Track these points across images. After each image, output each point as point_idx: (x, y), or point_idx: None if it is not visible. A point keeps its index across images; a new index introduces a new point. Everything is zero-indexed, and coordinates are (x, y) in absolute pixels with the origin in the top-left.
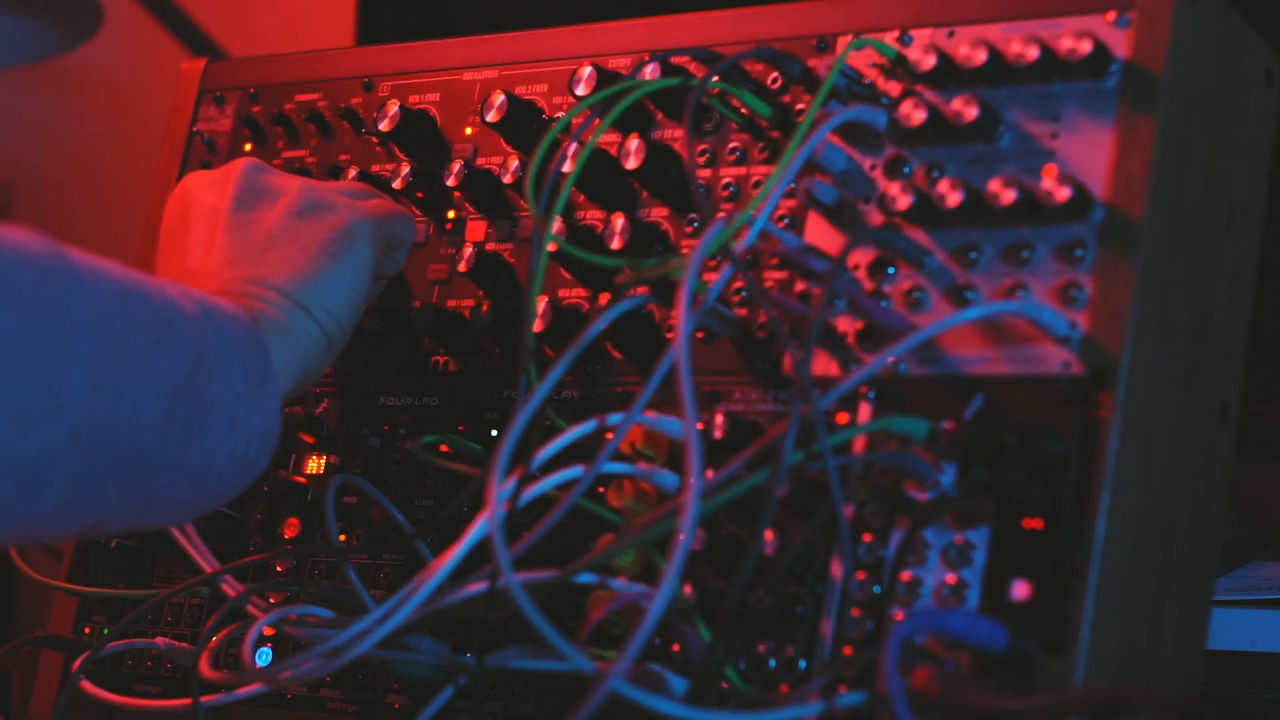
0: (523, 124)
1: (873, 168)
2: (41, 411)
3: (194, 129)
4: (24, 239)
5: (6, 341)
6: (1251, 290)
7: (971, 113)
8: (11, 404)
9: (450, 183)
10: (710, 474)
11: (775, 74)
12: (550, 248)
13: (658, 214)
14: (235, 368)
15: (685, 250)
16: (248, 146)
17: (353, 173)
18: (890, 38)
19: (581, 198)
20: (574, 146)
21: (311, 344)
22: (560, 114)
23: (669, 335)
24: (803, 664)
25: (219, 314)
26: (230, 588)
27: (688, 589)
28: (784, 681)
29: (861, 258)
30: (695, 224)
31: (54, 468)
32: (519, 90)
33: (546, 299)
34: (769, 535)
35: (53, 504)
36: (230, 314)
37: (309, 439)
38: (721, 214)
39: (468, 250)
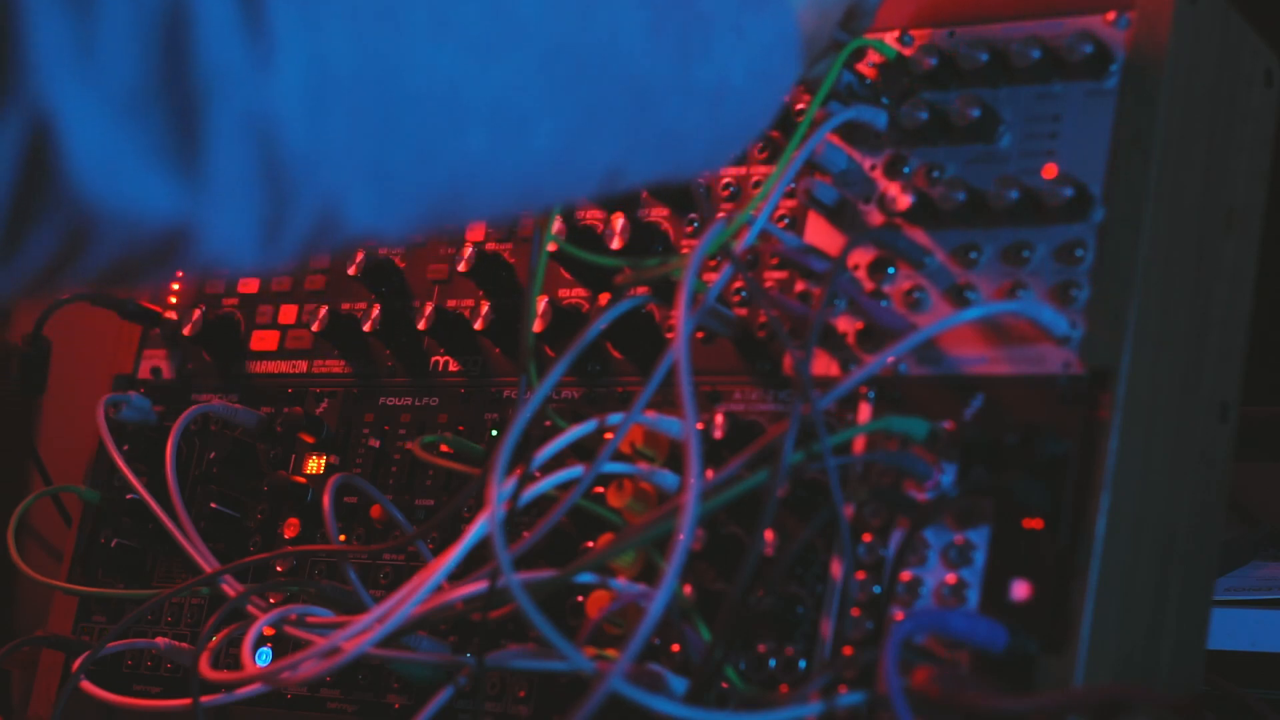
0: None
1: (873, 168)
2: (496, 34)
3: None
4: None
5: None
6: (1251, 290)
7: (971, 113)
8: (458, 27)
9: None
10: (710, 474)
11: None
12: (550, 248)
13: (658, 214)
14: None
15: (685, 250)
16: None
17: None
18: (890, 38)
19: None
20: None
21: None
22: None
23: (669, 335)
24: (803, 664)
25: None
26: (230, 588)
27: (688, 589)
28: (784, 681)
29: (861, 258)
30: (695, 224)
31: (532, 100)
32: None
33: (546, 299)
34: (769, 535)
35: (546, 146)
36: None
37: (309, 439)
38: (721, 214)
39: (468, 250)
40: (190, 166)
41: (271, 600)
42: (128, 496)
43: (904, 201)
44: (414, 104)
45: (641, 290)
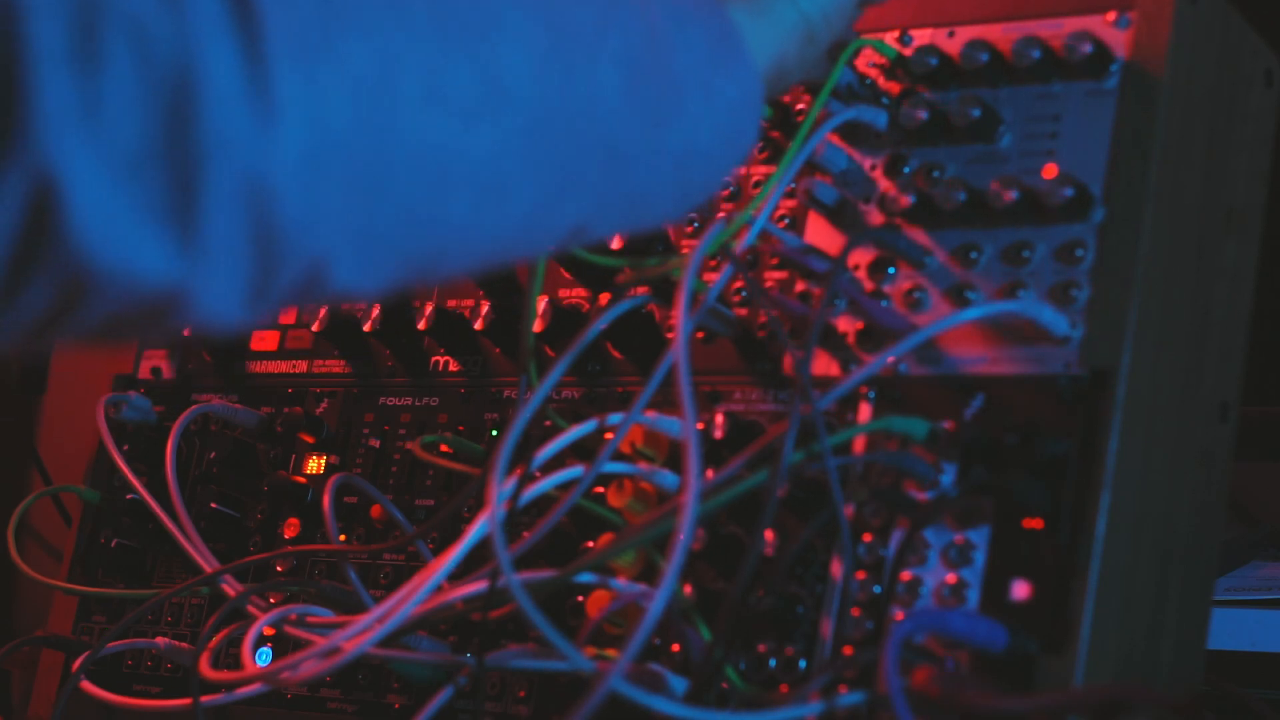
0: None
1: (873, 168)
2: (484, 102)
3: None
4: None
5: (421, 29)
6: (1251, 290)
7: (971, 113)
8: (448, 96)
9: None
10: (710, 474)
11: None
12: None
13: None
14: (694, 35)
15: (685, 250)
16: None
17: None
18: (890, 38)
19: None
20: None
21: (788, 30)
22: None
23: (669, 335)
24: (803, 664)
25: None
26: (230, 588)
27: (688, 589)
28: (784, 681)
29: (861, 258)
30: (695, 224)
31: (514, 167)
32: None
33: (546, 299)
34: (769, 535)
35: (523, 211)
36: None
37: (309, 439)
38: (721, 214)
39: None
40: (186, 230)
41: (271, 600)
42: (128, 496)
43: (904, 201)
44: (403, 171)
45: (641, 290)
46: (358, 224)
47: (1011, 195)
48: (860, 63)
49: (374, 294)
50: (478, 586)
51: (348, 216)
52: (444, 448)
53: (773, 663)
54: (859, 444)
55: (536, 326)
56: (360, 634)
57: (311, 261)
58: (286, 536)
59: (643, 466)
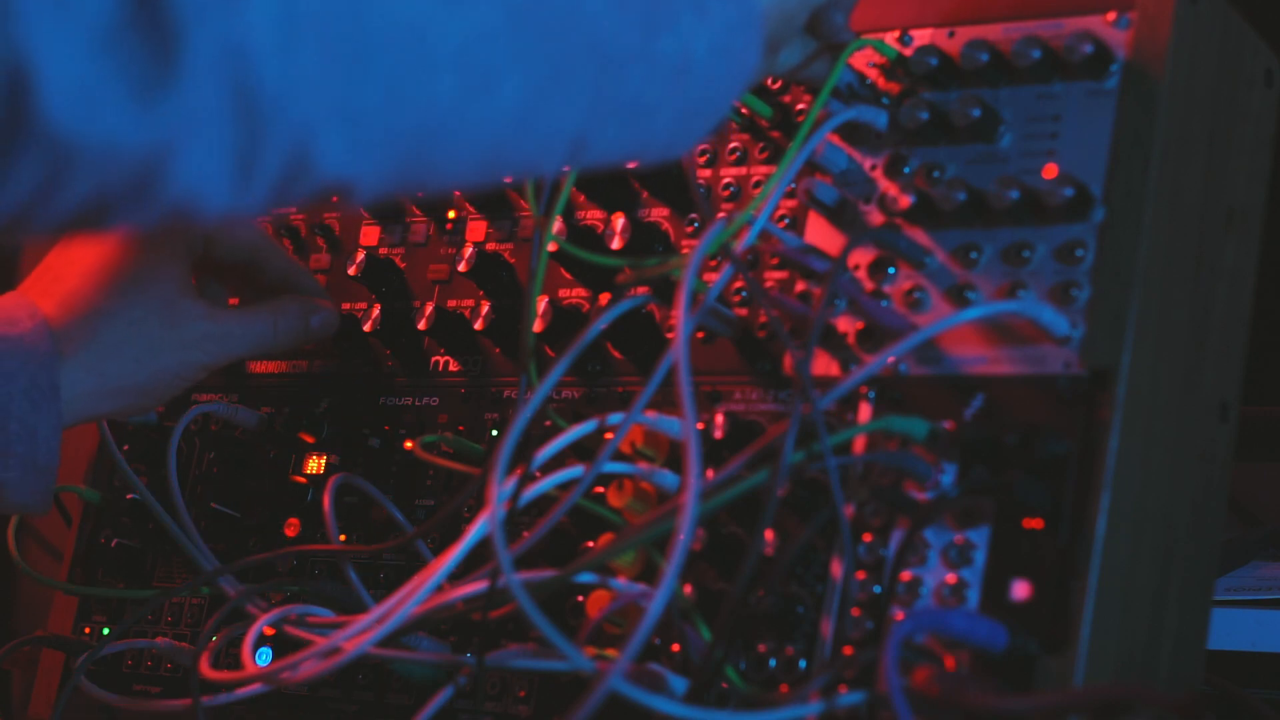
0: None
1: (873, 168)
2: None
3: None
4: None
5: None
6: (1251, 290)
7: (972, 113)
8: None
9: None
10: (710, 474)
11: None
12: (550, 248)
13: (658, 214)
14: None
15: (685, 250)
16: None
17: None
18: (890, 38)
19: (582, 197)
20: None
21: None
22: None
23: (669, 335)
24: (803, 664)
25: None
26: (230, 588)
27: (688, 589)
28: (784, 681)
29: (861, 258)
30: (695, 224)
31: (499, 52)
32: None
33: (546, 299)
34: (769, 535)
35: (512, 101)
36: None
37: (309, 439)
38: (721, 214)
39: (468, 250)
40: (165, 96)
41: (271, 600)
42: (128, 496)
43: (904, 201)
44: (382, 44)
45: (641, 290)
46: (339, 97)
47: (1011, 195)
48: (860, 63)
49: (367, 185)
50: (478, 586)
51: (328, 88)
52: (444, 448)
53: (773, 663)
54: (859, 444)
55: (536, 326)
56: (360, 634)
57: (295, 136)
58: (287, 536)
59: (643, 466)
